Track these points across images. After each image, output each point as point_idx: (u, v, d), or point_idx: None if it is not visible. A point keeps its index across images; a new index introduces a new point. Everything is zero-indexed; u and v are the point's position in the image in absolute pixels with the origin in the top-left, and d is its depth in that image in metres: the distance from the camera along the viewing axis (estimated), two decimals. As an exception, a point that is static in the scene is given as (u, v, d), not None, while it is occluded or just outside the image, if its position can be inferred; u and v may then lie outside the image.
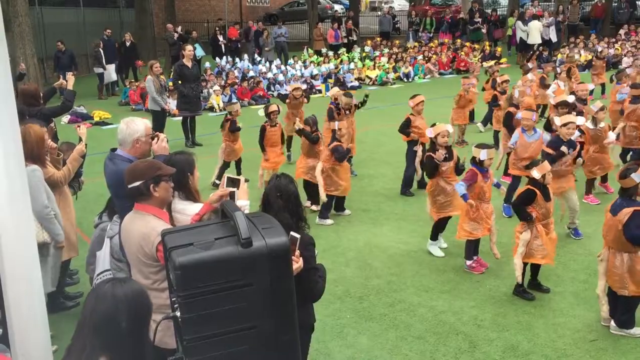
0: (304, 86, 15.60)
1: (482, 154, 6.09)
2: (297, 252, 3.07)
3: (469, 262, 6.36)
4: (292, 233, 3.03)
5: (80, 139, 5.65)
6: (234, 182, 3.37)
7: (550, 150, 6.92)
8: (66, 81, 7.65)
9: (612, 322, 5.19)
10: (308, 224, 3.56)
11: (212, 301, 2.40)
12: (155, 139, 4.15)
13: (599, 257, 5.21)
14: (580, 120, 7.32)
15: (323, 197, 7.63)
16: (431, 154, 6.59)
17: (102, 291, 2.16)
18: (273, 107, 8.83)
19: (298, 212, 3.48)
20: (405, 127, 8.53)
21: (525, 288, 5.80)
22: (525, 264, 5.70)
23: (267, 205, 3.47)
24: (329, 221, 7.75)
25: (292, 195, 3.50)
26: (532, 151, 7.51)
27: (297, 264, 3.06)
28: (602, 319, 5.27)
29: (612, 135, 8.04)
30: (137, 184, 3.26)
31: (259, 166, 8.84)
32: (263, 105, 10.57)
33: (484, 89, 12.28)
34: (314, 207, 8.15)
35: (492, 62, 17.96)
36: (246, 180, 3.52)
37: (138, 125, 4.13)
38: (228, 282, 2.41)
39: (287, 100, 10.52)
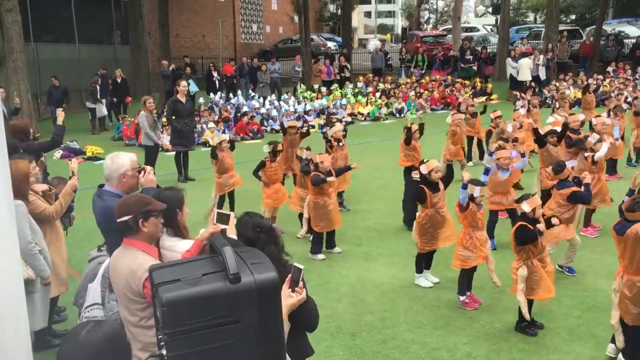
0: (299, 123, 15.65)
1: (476, 191, 6.11)
2: (301, 284, 3.01)
3: (462, 298, 6.32)
4: (295, 264, 3.00)
5: (73, 173, 5.64)
6: (223, 218, 3.35)
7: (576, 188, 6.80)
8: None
9: (620, 355, 5.05)
10: (290, 254, 3.51)
11: (200, 338, 2.35)
12: (142, 172, 4.14)
13: (614, 289, 5.07)
14: (571, 163, 7.39)
15: (303, 230, 8.13)
16: (423, 186, 6.61)
17: (79, 340, 2.08)
18: (280, 147, 8.79)
19: (279, 242, 3.46)
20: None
21: (527, 323, 5.71)
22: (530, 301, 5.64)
23: (249, 244, 3.42)
24: (320, 256, 7.71)
25: (270, 228, 3.49)
26: (503, 188, 7.73)
27: (301, 295, 3.00)
28: (620, 349, 5.07)
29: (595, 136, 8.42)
30: (125, 218, 3.25)
31: (256, 203, 8.69)
32: (265, 141, 10.46)
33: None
34: (299, 235, 8.22)
35: (483, 99, 18.17)
36: (236, 217, 3.49)
37: (123, 159, 4.13)
38: (216, 319, 2.37)
39: (285, 134, 10.03)
